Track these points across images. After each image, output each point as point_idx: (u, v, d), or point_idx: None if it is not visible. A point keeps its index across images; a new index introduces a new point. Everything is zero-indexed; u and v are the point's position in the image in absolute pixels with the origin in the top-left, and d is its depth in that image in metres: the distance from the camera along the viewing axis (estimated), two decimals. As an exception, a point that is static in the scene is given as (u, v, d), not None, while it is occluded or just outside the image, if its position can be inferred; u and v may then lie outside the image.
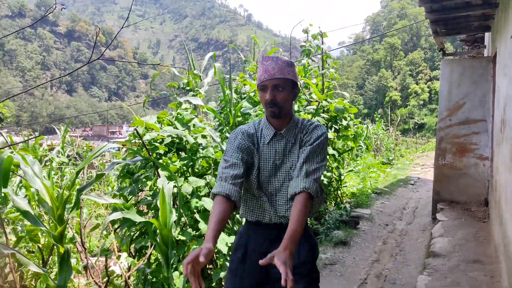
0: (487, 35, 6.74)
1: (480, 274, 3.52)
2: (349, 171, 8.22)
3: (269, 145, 1.85)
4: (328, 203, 6.47)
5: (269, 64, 1.77)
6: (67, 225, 2.27)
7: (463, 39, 7.36)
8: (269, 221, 1.86)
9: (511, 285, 2.62)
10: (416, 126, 58.73)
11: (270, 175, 1.85)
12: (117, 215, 2.32)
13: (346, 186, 7.76)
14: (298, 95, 1.89)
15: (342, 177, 6.76)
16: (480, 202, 5.62)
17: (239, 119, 5.15)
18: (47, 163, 7.17)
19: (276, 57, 1.79)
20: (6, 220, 3.82)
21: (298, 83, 1.90)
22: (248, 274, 1.84)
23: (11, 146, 3.70)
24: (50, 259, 3.33)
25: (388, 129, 19.19)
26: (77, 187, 2.23)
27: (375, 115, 18.30)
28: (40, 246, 3.31)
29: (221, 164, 1.83)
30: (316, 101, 5.91)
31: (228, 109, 5.09)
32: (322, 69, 6.58)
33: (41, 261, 3.36)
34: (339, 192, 6.75)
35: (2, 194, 2.36)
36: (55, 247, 3.01)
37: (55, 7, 1.83)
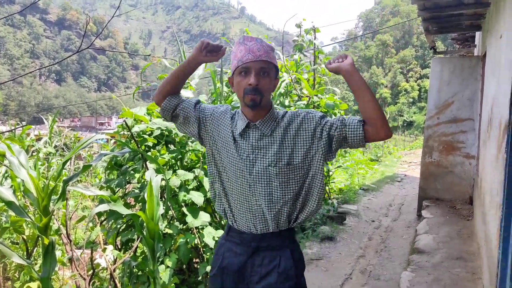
0: (478, 34, 6.80)
1: (463, 271, 3.59)
2: (338, 167, 8.28)
3: (241, 137, 1.61)
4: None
5: (253, 44, 1.53)
6: (53, 217, 2.25)
7: (454, 37, 7.41)
8: (246, 227, 1.63)
9: (491, 281, 2.67)
10: (405, 124, 59.19)
11: (244, 171, 1.59)
12: (103, 207, 2.30)
13: (334, 182, 7.81)
14: (276, 85, 1.66)
15: (331, 173, 6.80)
16: (465, 200, 5.70)
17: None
18: (33, 154, 7.08)
19: (260, 39, 1.57)
20: (-10, 210, 3.77)
21: (287, 70, 1.76)
22: None
23: (-4, 135, 3.65)
24: (34, 250, 3.30)
25: (378, 126, 19.31)
26: (64, 178, 2.21)
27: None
28: (25, 237, 3.28)
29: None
30: (307, 96, 5.92)
31: (218, 102, 5.07)
32: (314, 65, 6.59)
33: (25, 253, 3.33)
34: (327, 188, 6.80)
35: (-14, 184, 2.33)
36: (39, 238, 2.99)
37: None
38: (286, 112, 1.65)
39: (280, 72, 5.88)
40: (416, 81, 70.53)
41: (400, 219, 6.26)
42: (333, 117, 6.00)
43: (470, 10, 4.87)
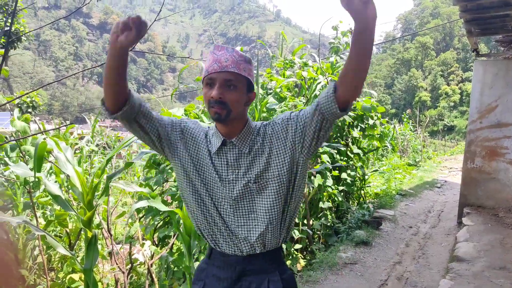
0: (524, 36, 6.51)
1: (507, 281, 3.43)
2: (374, 171, 8.12)
3: (218, 156, 1.48)
4: (351, 202, 6.43)
5: (222, 54, 1.40)
6: (95, 211, 2.35)
7: (499, 39, 7.12)
8: (230, 249, 1.50)
9: (538, 294, 2.55)
10: (446, 128, 57.29)
11: (224, 192, 1.46)
12: (143, 204, 2.38)
13: (369, 186, 7.67)
14: (252, 101, 1.49)
15: (366, 177, 6.69)
16: (509, 208, 5.46)
17: (264, 114, 5.17)
18: (77, 151, 7.39)
19: (232, 48, 1.43)
20: (36, 204, 3.98)
21: (255, 85, 1.51)
22: None
23: (43, 133, 3.84)
24: (76, 244, 3.45)
25: (416, 130, 18.82)
26: (106, 175, 2.30)
27: (403, 116, 17.96)
28: (68, 230, 3.44)
29: None
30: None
31: (254, 104, 5.12)
32: (350, 67, 6.51)
33: (68, 246, 3.48)
34: (362, 192, 6.69)
35: (36, 179, 2.46)
36: (82, 232, 3.12)
37: (91, -1, 1.89)
38: (262, 123, 1.53)
39: (315, 74, 5.86)
40: (457, 85, 68.20)
41: (439, 226, 6.06)
42: (369, 120, 5.91)
43: (516, 11, 4.68)
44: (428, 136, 25.76)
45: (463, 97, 64.06)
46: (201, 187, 1.49)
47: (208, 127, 1.58)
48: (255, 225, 1.46)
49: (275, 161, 1.45)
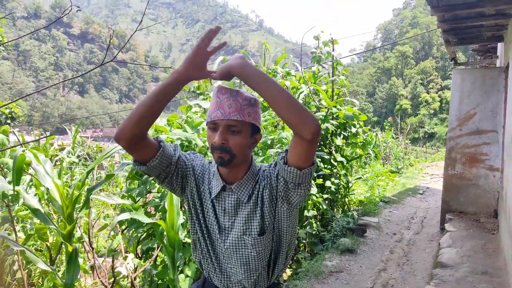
0: (500, 45, 6.69)
1: (488, 286, 3.48)
2: (357, 178, 8.19)
3: (217, 201, 1.45)
4: (335, 210, 6.45)
5: (225, 99, 1.34)
6: (76, 225, 2.30)
7: (476, 49, 7.31)
8: (221, 285, 1.51)
9: (520, 298, 2.59)
10: (426, 136, 58.34)
11: (219, 238, 1.45)
12: (125, 216, 2.34)
13: (353, 194, 7.72)
14: (258, 142, 1.44)
15: (350, 185, 6.73)
16: (490, 213, 5.55)
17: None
18: (57, 163, 7.25)
19: (237, 92, 1.36)
20: (15, 218, 3.87)
21: (261, 127, 1.43)
22: None
23: (23, 145, 3.76)
24: (57, 258, 3.36)
25: (398, 137, 19.10)
26: (87, 187, 2.26)
27: (385, 123, 18.24)
28: (49, 244, 3.35)
29: None
30: (326, 107, 5.91)
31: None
32: (333, 76, 6.59)
33: (48, 260, 3.39)
34: (346, 199, 6.73)
35: (14, 192, 2.39)
36: (63, 246, 3.04)
37: (71, 9, 1.86)
38: (260, 167, 1.48)
39: (297, 83, 5.90)
40: (437, 92, 69.70)
41: (422, 232, 6.13)
42: (352, 128, 5.97)
43: (491, 21, 4.81)
44: (410, 143, 26.16)
45: (443, 105, 65.44)
46: (203, 227, 1.48)
47: (210, 162, 1.54)
48: (247, 274, 1.44)
49: (267, 218, 1.42)
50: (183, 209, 3.31)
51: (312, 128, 1.19)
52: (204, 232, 1.48)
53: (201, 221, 1.48)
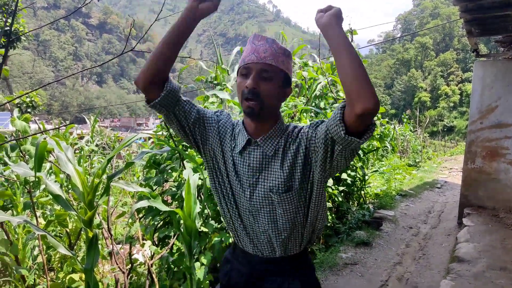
0: (524, 36, 6.51)
1: (508, 282, 3.43)
2: (374, 171, 8.12)
3: (241, 156, 1.41)
4: (351, 202, 6.42)
5: (261, 44, 1.34)
6: (95, 211, 2.34)
7: (499, 40, 7.11)
8: (250, 251, 1.50)
9: (539, 294, 2.55)
10: (445, 129, 57.34)
11: (243, 196, 1.42)
12: (143, 203, 2.37)
13: (370, 187, 7.67)
14: (288, 96, 1.41)
15: (366, 177, 6.68)
16: (509, 209, 5.45)
17: (265, 114, 5.17)
18: (76, 151, 7.38)
19: (272, 39, 1.36)
20: (36, 204, 3.97)
21: (292, 80, 1.43)
22: None
23: (44, 133, 3.83)
24: (76, 243, 3.44)
25: (416, 130, 18.82)
26: (106, 174, 2.29)
27: (402, 116, 17.96)
28: (68, 230, 3.43)
29: None
30: (343, 99, 5.85)
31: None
32: (351, 67, 6.50)
33: (68, 246, 3.47)
34: (362, 192, 6.68)
35: (36, 179, 2.45)
36: (82, 231, 3.11)
37: (92, -2, 1.88)
38: (289, 125, 1.44)
39: (315, 74, 5.85)
40: (457, 85, 68.30)
41: (439, 226, 6.06)
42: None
43: (517, 11, 4.67)
44: (428, 136, 25.76)
45: (463, 98, 64.13)
46: (227, 185, 1.47)
47: (237, 120, 1.52)
48: (276, 233, 1.42)
49: (295, 176, 1.37)
50: (199, 198, 3.34)
51: (365, 105, 1.11)
52: (229, 191, 1.46)
53: (225, 180, 1.46)
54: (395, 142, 13.87)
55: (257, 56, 1.32)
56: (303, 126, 1.41)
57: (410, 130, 16.60)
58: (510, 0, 4.33)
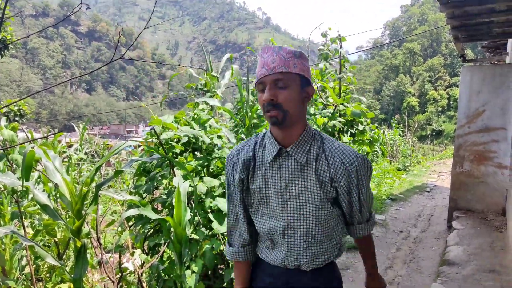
0: (510, 41, 6.62)
1: (496, 284, 3.46)
2: (364, 176, 8.15)
3: (272, 168, 1.40)
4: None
5: (269, 56, 1.33)
6: (84, 220, 2.32)
7: (485, 45, 7.25)
8: (277, 264, 1.47)
9: (528, 296, 2.58)
10: (434, 133, 57.96)
11: (275, 208, 1.41)
12: (133, 212, 2.36)
13: (360, 191, 7.69)
14: (312, 96, 1.39)
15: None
16: (498, 211, 5.52)
17: (255, 120, 5.17)
18: (65, 160, 7.31)
19: (279, 47, 1.34)
20: (24, 214, 3.91)
21: (312, 79, 1.42)
22: None
23: (32, 142, 3.79)
24: (65, 253, 3.39)
25: (405, 135, 18.99)
26: (95, 183, 2.28)
27: (392, 121, 18.13)
28: (57, 240, 3.38)
29: (227, 218, 1.57)
30: (333, 104, 5.90)
31: (244, 111, 5.12)
32: (340, 73, 6.56)
33: (56, 255, 3.43)
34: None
35: (23, 188, 2.42)
36: (71, 241, 3.07)
37: (81, 6, 1.88)
38: (316, 131, 1.45)
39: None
40: (445, 90, 69.20)
41: (429, 230, 6.10)
42: (359, 125, 5.94)
43: (501, 17, 4.76)
44: (417, 140, 26.00)
45: (451, 102, 64.97)
46: (253, 200, 1.48)
47: (259, 133, 1.52)
48: (306, 247, 1.41)
49: (323, 177, 1.37)
50: (190, 205, 3.33)
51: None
52: (256, 206, 1.47)
53: (250, 193, 1.47)
54: (384, 146, 13.98)
55: (267, 69, 1.31)
56: (340, 150, 1.39)
57: (399, 135, 16.76)
58: (494, 7, 4.42)
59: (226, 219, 1.67)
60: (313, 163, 1.36)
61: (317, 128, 1.44)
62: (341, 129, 5.77)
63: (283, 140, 1.37)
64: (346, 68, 6.71)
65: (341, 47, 6.78)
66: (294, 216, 1.39)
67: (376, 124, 7.73)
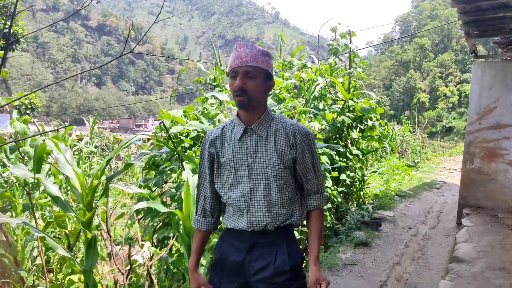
0: (522, 37, 6.52)
1: (506, 282, 3.43)
2: (373, 172, 8.13)
3: (240, 142, 1.70)
4: (350, 203, 6.43)
5: (242, 50, 1.64)
6: (94, 213, 2.34)
7: (497, 41, 7.13)
8: (245, 227, 1.70)
9: (538, 294, 2.55)
10: (444, 130, 57.40)
11: (242, 175, 1.70)
12: (143, 205, 2.38)
13: (369, 187, 7.67)
14: (272, 88, 1.77)
15: (365, 178, 6.69)
16: (508, 209, 5.46)
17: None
18: (75, 153, 7.38)
19: (251, 45, 1.66)
20: (35, 206, 3.97)
21: (273, 75, 1.75)
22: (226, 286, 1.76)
23: (43, 134, 3.84)
24: (75, 245, 3.44)
25: (415, 131, 18.84)
26: (105, 176, 2.30)
27: (401, 117, 17.98)
28: (67, 231, 3.43)
29: (197, 190, 1.87)
30: (342, 100, 5.87)
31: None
32: (349, 68, 6.52)
33: (67, 247, 3.47)
34: (361, 193, 6.69)
35: (35, 180, 2.45)
36: (81, 233, 3.11)
37: (91, 0, 1.89)
38: (275, 114, 1.77)
39: (314, 76, 5.87)
40: (455, 86, 68.37)
41: (438, 227, 6.07)
42: (368, 121, 5.90)
43: (515, 12, 4.68)
44: (427, 137, 25.79)
45: (462, 99, 64.21)
46: (222, 172, 1.75)
47: (226, 121, 1.83)
48: (268, 207, 1.67)
49: (286, 155, 1.68)
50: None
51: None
52: (225, 176, 1.73)
53: (220, 167, 1.75)
54: (394, 142, 13.89)
55: (241, 61, 1.61)
56: (298, 126, 1.72)
57: (409, 131, 16.63)
58: (508, 2, 4.35)
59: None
60: (272, 137, 1.69)
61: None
62: (350, 124, 5.75)
63: (247, 120, 1.70)
64: (356, 63, 6.66)
65: (350, 42, 6.73)
66: (258, 180, 1.68)
67: (385, 120, 7.69)
